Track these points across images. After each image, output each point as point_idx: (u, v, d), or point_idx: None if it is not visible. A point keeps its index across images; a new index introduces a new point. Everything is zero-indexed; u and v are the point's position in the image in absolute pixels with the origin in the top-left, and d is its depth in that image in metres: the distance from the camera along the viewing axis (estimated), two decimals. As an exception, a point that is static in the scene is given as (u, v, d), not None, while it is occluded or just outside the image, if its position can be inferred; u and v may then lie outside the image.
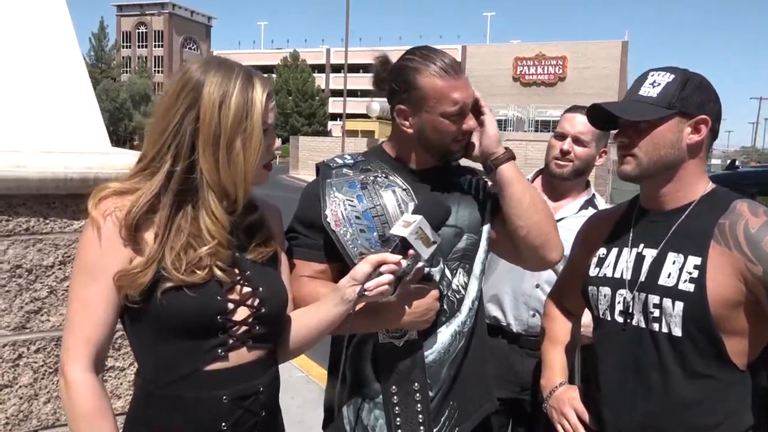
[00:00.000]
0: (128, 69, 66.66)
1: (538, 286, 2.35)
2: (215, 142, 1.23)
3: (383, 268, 1.38)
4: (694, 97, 1.45)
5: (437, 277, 1.58)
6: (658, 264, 1.47)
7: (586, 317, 2.25)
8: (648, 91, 1.48)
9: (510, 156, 1.59)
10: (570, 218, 2.30)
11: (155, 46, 73.23)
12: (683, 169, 1.48)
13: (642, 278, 1.48)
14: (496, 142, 1.58)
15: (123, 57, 69.38)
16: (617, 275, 1.55)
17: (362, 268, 1.38)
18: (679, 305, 1.40)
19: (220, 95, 1.23)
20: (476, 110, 1.59)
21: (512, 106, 44.95)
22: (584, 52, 54.64)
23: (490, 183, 1.67)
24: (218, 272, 1.26)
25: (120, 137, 49.16)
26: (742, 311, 1.38)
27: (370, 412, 1.59)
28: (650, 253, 1.50)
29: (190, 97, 1.24)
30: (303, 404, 3.97)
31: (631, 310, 1.49)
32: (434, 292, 1.53)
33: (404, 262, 1.40)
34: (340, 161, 1.68)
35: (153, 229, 1.24)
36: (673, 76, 1.47)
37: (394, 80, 1.58)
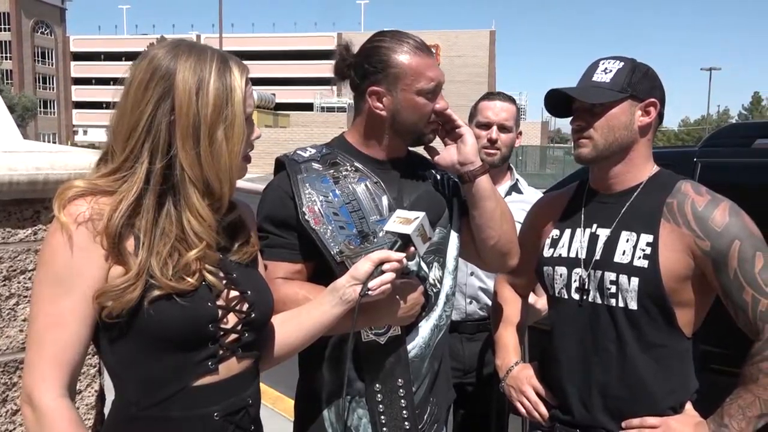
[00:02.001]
0: (-30, 55, 60.06)
1: (472, 274, 2.41)
2: (195, 134, 1.13)
3: (386, 266, 1.34)
4: (643, 83, 1.56)
5: (414, 273, 1.56)
6: (612, 242, 1.56)
7: (540, 303, 2.36)
8: (601, 77, 1.57)
9: (486, 169, 1.59)
10: None
11: (1, 30, 66.49)
12: (634, 150, 1.58)
13: (597, 256, 1.57)
14: (474, 152, 1.57)
15: (-38, 41, 62.42)
16: (572, 255, 1.63)
17: (363, 266, 1.33)
18: (635, 280, 1.50)
19: (195, 82, 1.12)
20: (453, 125, 1.59)
21: (389, 93, 45.73)
22: (455, 41, 56.67)
23: (464, 194, 1.65)
24: (209, 276, 1.16)
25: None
26: (690, 284, 1.50)
27: (353, 412, 1.55)
28: (604, 233, 1.59)
29: (161, 87, 1.12)
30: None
31: (587, 287, 1.58)
32: (420, 287, 1.51)
33: (405, 260, 1.37)
34: (304, 154, 1.61)
35: (134, 235, 1.11)
36: (622, 63, 1.58)
37: (367, 61, 1.54)
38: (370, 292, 1.33)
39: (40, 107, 63.70)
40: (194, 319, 1.13)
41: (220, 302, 1.18)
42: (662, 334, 1.52)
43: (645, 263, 1.49)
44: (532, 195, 2.51)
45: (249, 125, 1.21)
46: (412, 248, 1.37)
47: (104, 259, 1.10)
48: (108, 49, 70.46)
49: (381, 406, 1.54)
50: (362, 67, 1.55)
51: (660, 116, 1.61)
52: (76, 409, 1.15)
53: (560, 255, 1.65)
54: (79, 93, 71.81)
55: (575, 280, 1.61)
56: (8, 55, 66.24)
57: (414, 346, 1.56)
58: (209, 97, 1.13)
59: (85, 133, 70.37)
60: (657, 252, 1.49)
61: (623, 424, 1.54)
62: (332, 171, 1.56)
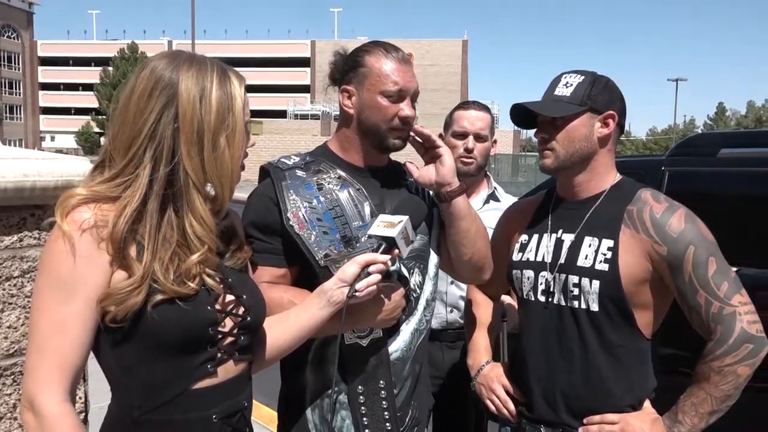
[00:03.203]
0: (-68, 59, 58.52)
1: (453, 282, 2.42)
2: (199, 140, 1.16)
3: (372, 269, 1.38)
4: (602, 95, 1.64)
5: (395, 276, 1.60)
6: (575, 247, 1.64)
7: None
8: (562, 91, 1.65)
9: (463, 189, 1.64)
10: None
11: (-34, 34, 65.00)
12: (595, 160, 1.66)
13: (561, 260, 1.65)
14: (452, 173, 1.61)
15: (-75, 45, 60.78)
16: (539, 259, 1.70)
17: (350, 269, 1.37)
18: (596, 283, 1.57)
19: (198, 91, 1.16)
20: (432, 145, 1.62)
21: (363, 101, 45.94)
22: (428, 50, 57.09)
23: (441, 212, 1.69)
24: (208, 280, 1.19)
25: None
26: (648, 287, 1.57)
27: (337, 413, 1.58)
28: (568, 238, 1.66)
29: (165, 95, 1.15)
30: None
31: (552, 290, 1.65)
32: (400, 290, 1.55)
33: (389, 262, 1.41)
34: (289, 162, 1.64)
35: (136, 241, 1.14)
36: (583, 77, 1.66)
37: (346, 62, 1.62)
38: (357, 294, 1.37)
39: (5, 112, 62.41)
40: (196, 322, 1.16)
41: (217, 306, 1.21)
42: (622, 335, 1.59)
43: (606, 267, 1.57)
44: (509, 203, 2.55)
45: (245, 133, 1.24)
46: (396, 251, 1.42)
47: (108, 264, 1.11)
48: (77, 54, 69.34)
49: (363, 407, 1.57)
50: (342, 68, 1.63)
51: (621, 127, 1.68)
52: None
53: (528, 259, 1.72)
54: (46, 98, 70.48)
55: (541, 283, 1.68)
56: (-27, 59, 64.78)
57: (395, 348, 1.60)
58: (212, 105, 1.17)
59: (52, 139, 69.07)
60: (617, 256, 1.56)
61: (584, 421, 1.61)
62: (316, 178, 1.60)
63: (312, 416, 1.59)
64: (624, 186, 1.67)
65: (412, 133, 1.62)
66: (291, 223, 1.52)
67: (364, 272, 1.38)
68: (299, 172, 1.60)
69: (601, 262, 1.57)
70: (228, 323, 1.22)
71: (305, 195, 1.56)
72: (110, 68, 48.99)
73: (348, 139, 1.64)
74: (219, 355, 1.21)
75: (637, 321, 1.58)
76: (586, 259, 1.60)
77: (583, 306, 1.59)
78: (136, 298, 1.10)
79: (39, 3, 71.32)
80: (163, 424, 1.16)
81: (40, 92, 70.92)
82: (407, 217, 1.43)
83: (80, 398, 1.53)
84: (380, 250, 1.41)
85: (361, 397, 1.57)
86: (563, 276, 1.63)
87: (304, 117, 48.60)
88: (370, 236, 1.46)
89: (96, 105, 51.35)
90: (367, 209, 1.58)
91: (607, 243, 1.58)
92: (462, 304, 2.45)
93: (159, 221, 1.16)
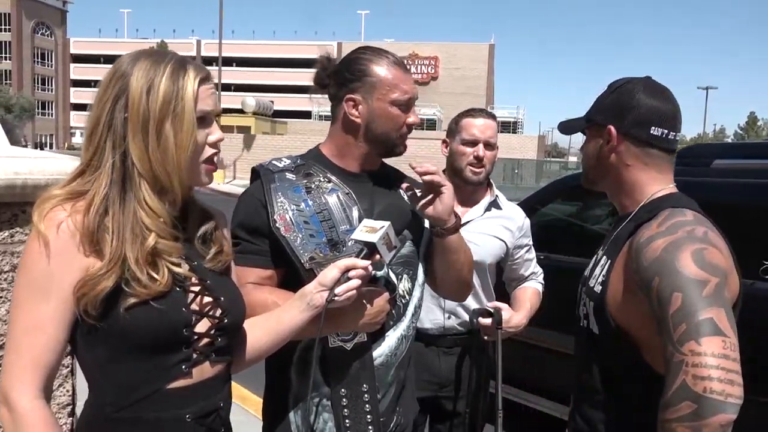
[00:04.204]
0: (-31, 54, 60.08)
1: None
2: (144, 128, 1.18)
3: (352, 273, 1.38)
4: (605, 109, 1.52)
5: (383, 281, 1.61)
6: (595, 266, 1.56)
7: (515, 319, 2.40)
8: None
9: (457, 227, 1.64)
10: (476, 221, 2.42)
11: (2, 31, 66.62)
12: (614, 177, 1.52)
13: (588, 278, 1.58)
14: (449, 211, 1.60)
15: (-38, 41, 62.45)
16: (586, 274, 1.62)
17: (331, 273, 1.38)
18: (591, 304, 1.50)
19: (147, 81, 1.18)
20: (437, 184, 1.60)
21: (387, 103, 46.10)
22: (455, 53, 57.00)
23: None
24: (174, 268, 1.19)
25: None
26: (637, 315, 1.39)
27: (319, 416, 1.59)
28: (599, 255, 1.58)
29: (118, 86, 1.19)
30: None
31: (580, 307, 1.59)
32: (385, 294, 1.55)
33: (371, 267, 1.42)
34: (279, 165, 1.66)
35: (106, 231, 1.15)
36: (606, 91, 1.54)
37: (347, 70, 1.61)
38: (336, 298, 1.37)
39: (38, 108, 63.75)
40: (168, 323, 1.17)
41: (194, 307, 1.22)
42: (621, 365, 1.44)
43: (599, 288, 1.48)
44: (510, 210, 2.54)
45: (205, 125, 1.24)
46: (378, 256, 1.42)
47: (84, 261, 1.13)
48: (108, 52, 70.57)
49: (346, 410, 1.57)
50: (342, 76, 1.62)
51: (641, 141, 1.46)
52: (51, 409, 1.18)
53: (584, 274, 1.64)
54: (77, 95, 71.89)
55: (582, 298, 1.59)
56: (8, 55, 66.41)
57: (380, 353, 1.60)
58: (159, 94, 1.19)
59: (82, 135, 70.28)
60: (609, 278, 1.46)
61: None
62: (305, 181, 1.61)
63: (294, 417, 1.60)
64: (656, 203, 1.46)
65: (418, 173, 1.59)
66: (278, 225, 1.53)
67: (344, 277, 1.38)
68: (289, 175, 1.62)
69: (599, 283, 1.49)
70: (204, 324, 1.23)
71: (293, 198, 1.57)
72: (140, 66, 49.68)
73: (348, 146, 1.64)
74: (194, 356, 1.22)
75: (641, 352, 1.40)
76: (594, 278, 1.53)
77: (590, 327, 1.51)
78: (106, 282, 1.11)
79: (72, 1, 72.94)
80: (136, 422, 1.18)
81: (72, 89, 72.45)
82: (389, 222, 1.43)
83: (68, 391, 1.56)
84: (361, 255, 1.42)
85: (344, 399, 1.57)
86: (584, 294, 1.57)
87: (328, 118, 48.51)
88: (355, 241, 1.47)
89: (125, 102, 52.03)
90: (355, 213, 1.59)
91: (608, 264, 1.48)
92: (460, 310, 2.44)
93: (121, 207, 1.17)
